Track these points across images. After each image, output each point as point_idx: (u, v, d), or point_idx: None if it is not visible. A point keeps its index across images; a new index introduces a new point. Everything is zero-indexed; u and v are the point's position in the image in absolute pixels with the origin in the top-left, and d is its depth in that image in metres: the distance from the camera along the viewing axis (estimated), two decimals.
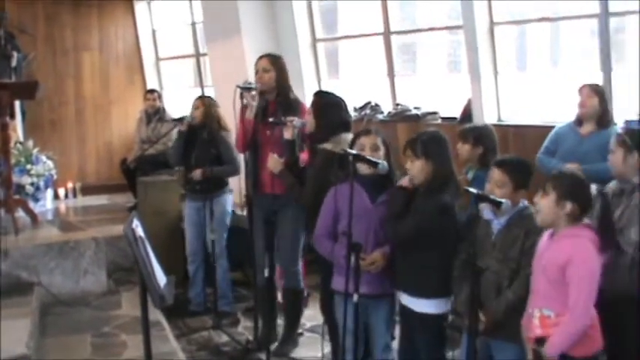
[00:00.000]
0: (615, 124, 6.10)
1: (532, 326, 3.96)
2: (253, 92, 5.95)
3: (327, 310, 5.37)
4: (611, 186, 4.72)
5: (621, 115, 6.51)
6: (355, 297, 4.37)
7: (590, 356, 3.92)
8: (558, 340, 3.82)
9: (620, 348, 4.57)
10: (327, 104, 5.40)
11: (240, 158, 6.62)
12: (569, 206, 3.86)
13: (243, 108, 5.96)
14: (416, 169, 4.47)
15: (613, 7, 6.63)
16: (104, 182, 11.83)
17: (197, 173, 6.89)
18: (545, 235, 4.02)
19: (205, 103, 7.06)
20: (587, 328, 3.82)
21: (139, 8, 12.41)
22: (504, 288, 4.18)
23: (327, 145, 5.24)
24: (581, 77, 6.43)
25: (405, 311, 4.62)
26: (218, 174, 6.94)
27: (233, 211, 7.48)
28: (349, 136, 5.17)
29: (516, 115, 7.71)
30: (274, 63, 6.08)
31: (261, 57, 6.16)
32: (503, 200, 4.03)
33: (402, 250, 4.55)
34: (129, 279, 7.68)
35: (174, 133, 8.69)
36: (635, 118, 6.34)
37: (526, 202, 4.27)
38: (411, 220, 4.41)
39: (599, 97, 6.00)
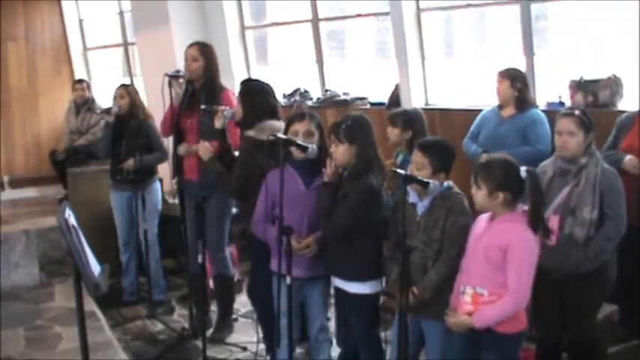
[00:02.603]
0: (537, 107, 6.26)
1: (462, 302, 4.06)
2: (181, 80, 5.98)
3: (255, 294, 5.45)
4: (546, 166, 4.84)
5: (544, 97, 6.70)
6: (288, 279, 4.44)
7: (513, 334, 4.03)
8: (491, 314, 3.93)
9: (571, 322, 4.73)
10: (254, 91, 5.43)
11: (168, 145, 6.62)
12: (501, 196, 3.95)
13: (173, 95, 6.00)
14: (339, 153, 4.53)
15: None
16: (33, 174, 11.62)
17: (130, 163, 6.82)
18: (483, 218, 4.11)
19: (130, 91, 7.01)
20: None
21: None
22: (429, 268, 4.29)
23: (251, 132, 5.27)
24: (505, 62, 6.55)
25: (340, 293, 4.69)
26: (149, 162, 6.91)
27: (165, 200, 7.46)
28: (275, 122, 5.23)
29: (443, 100, 7.84)
30: (203, 52, 6.11)
31: (190, 45, 6.18)
32: (430, 181, 4.13)
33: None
34: (61, 271, 7.64)
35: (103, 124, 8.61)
36: (556, 100, 6.54)
37: (450, 183, 4.35)
38: (343, 212, 4.46)
39: (509, 80, 6.13)
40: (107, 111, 6.87)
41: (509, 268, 3.89)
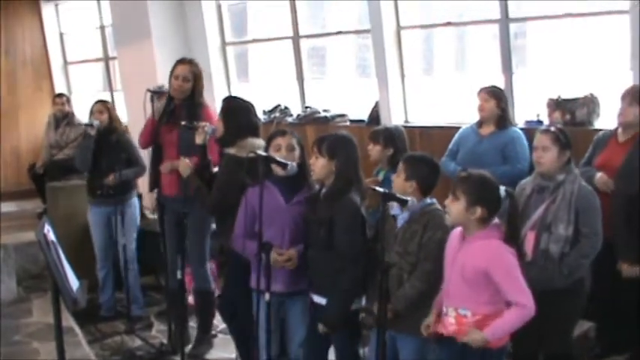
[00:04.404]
0: (516, 125, 6.31)
1: (446, 323, 4.05)
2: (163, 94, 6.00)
3: (224, 309, 5.47)
4: (525, 184, 4.88)
5: (522, 116, 6.75)
6: (267, 295, 4.45)
7: (495, 349, 4.02)
8: (503, 325, 3.90)
9: (546, 338, 4.75)
10: (236, 108, 5.44)
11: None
12: (479, 211, 3.93)
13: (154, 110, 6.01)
14: (318, 166, 4.57)
15: (513, 13, 6.87)
16: (12, 188, 11.51)
17: (111, 179, 6.79)
18: (456, 235, 4.11)
19: (109, 107, 7.03)
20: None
21: (47, 11, 12.18)
22: (404, 281, 4.31)
23: (232, 150, 5.29)
24: (484, 80, 6.58)
25: (318, 308, 4.65)
26: (129, 176, 6.90)
27: (144, 215, 7.44)
28: (256, 140, 5.25)
29: (423, 117, 7.88)
30: (194, 72, 6.07)
31: (181, 62, 6.13)
32: (408, 198, 4.15)
33: (315, 252, 4.63)
34: (39, 286, 7.58)
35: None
36: (534, 118, 6.60)
37: (433, 200, 4.39)
38: (342, 239, 4.45)
39: (495, 99, 6.15)
40: (90, 125, 6.83)
41: (501, 287, 3.87)
